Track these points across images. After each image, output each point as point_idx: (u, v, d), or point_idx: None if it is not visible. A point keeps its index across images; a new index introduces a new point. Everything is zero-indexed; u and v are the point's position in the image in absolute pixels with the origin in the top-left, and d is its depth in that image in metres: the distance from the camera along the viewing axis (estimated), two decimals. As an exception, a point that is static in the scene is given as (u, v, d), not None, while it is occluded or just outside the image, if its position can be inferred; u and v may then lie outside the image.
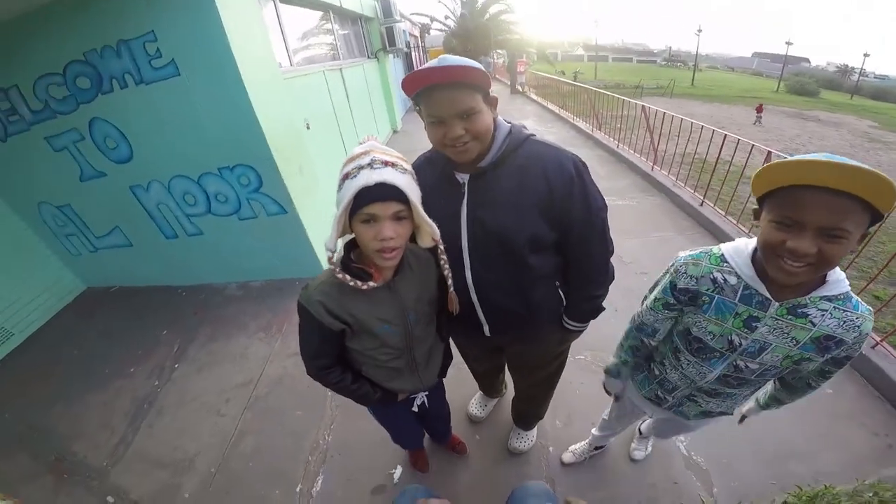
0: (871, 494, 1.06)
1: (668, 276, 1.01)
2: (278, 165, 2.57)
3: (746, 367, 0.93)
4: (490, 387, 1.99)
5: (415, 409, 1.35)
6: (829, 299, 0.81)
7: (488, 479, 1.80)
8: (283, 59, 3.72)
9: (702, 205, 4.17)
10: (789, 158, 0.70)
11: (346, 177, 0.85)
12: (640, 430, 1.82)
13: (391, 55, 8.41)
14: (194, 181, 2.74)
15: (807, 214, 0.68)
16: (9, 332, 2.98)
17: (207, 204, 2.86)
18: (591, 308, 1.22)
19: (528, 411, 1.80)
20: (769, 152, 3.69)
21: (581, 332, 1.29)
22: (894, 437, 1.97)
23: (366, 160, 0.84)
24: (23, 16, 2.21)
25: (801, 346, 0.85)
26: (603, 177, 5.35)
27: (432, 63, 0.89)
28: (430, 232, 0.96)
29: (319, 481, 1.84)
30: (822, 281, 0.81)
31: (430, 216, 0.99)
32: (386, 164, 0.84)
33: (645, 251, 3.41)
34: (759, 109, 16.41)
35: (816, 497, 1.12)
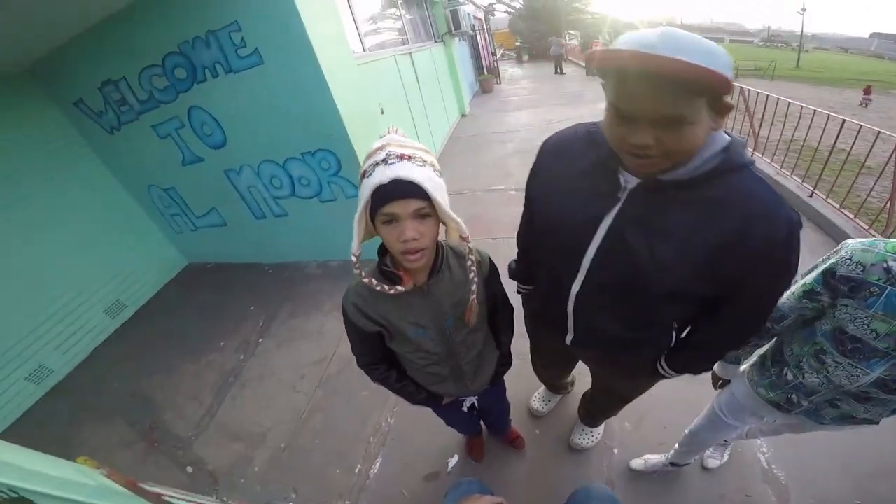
0: None
1: (825, 262, 0.88)
2: (355, 149, 2.63)
3: None
4: (553, 386, 1.88)
5: (464, 409, 1.31)
6: None
7: (545, 475, 1.74)
8: (356, 45, 3.78)
9: (811, 196, 3.65)
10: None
11: (363, 175, 0.79)
12: (747, 431, 1.59)
13: (457, 38, 8.31)
14: (280, 165, 2.90)
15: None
16: (123, 305, 3.38)
17: (292, 187, 3.03)
18: (698, 366, 1.03)
19: (599, 411, 1.67)
20: None
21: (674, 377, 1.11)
22: None
23: (381, 155, 0.76)
24: (126, 9, 2.41)
25: None
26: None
27: (646, 38, 0.60)
28: (457, 228, 0.86)
29: (378, 464, 1.89)
30: None
31: (562, 206, 0.88)
32: (402, 157, 0.76)
33: None
34: (867, 91, 15.01)
35: None
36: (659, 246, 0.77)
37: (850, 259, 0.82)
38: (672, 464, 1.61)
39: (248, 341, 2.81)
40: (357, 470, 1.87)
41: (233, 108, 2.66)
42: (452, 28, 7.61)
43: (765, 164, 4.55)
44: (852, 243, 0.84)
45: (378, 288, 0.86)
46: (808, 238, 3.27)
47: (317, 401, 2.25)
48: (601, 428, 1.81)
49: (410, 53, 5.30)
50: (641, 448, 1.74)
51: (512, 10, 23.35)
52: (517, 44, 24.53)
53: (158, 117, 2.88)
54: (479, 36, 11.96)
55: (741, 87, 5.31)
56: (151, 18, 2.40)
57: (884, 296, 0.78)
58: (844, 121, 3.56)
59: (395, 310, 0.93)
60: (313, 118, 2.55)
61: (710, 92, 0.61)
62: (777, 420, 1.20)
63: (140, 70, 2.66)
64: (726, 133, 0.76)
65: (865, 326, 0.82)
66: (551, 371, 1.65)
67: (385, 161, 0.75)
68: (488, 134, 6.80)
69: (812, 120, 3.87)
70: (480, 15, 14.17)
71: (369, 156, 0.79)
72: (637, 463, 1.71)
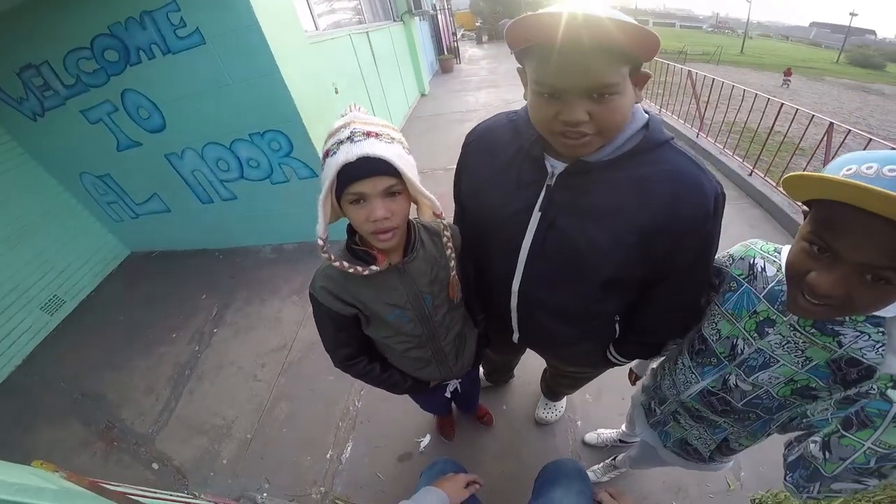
0: None
1: None
2: (308, 130, 2.55)
3: (736, 385, 0.77)
4: (494, 374, 1.89)
5: (447, 395, 1.29)
6: (876, 322, 0.60)
7: (514, 450, 1.79)
8: (308, 23, 3.62)
9: (751, 175, 3.91)
10: (834, 177, 0.48)
11: (326, 154, 0.74)
12: (615, 457, 1.64)
13: (417, 18, 8.11)
14: (227, 147, 2.76)
15: (844, 243, 0.50)
16: (61, 300, 3.14)
17: (240, 169, 2.90)
18: (647, 351, 1.04)
19: (557, 389, 1.71)
20: (831, 123, 3.37)
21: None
22: None
23: (345, 133, 0.72)
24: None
25: (812, 368, 0.66)
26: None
27: (565, 4, 0.57)
28: (430, 206, 0.83)
29: (349, 447, 1.89)
30: None
31: (489, 200, 0.85)
32: (368, 134, 0.72)
33: None
34: (788, 73, 16.96)
35: None
36: (591, 229, 0.75)
37: (728, 253, 0.81)
38: (621, 441, 1.68)
39: (202, 332, 2.71)
40: (328, 455, 1.86)
41: (172, 90, 2.49)
42: (413, 7, 7.42)
43: (709, 144, 4.80)
44: (742, 242, 0.83)
45: (351, 270, 0.81)
46: (748, 213, 3.52)
47: (280, 389, 2.21)
48: (563, 401, 1.86)
49: (367, 32, 5.14)
50: (603, 419, 1.83)
51: None
52: (477, 24, 24.33)
53: (88, 102, 2.66)
54: (439, 16, 11.72)
55: (689, 71, 5.56)
56: (76, 1, 2.20)
57: (738, 292, 0.76)
58: (782, 104, 3.82)
59: (371, 292, 0.88)
60: (262, 99, 2.43)
61: (640, 55, 0.60)
62: (641, 432, 1.16)
63: (65, 53, 2.44)
64: (645, 111, 0.75)
65: (714, 325, 0.81)
66: (502, 357, 1.64)
67: (350, 139, 0.71)
68: (448, 114, 6.77)
69: (753, 103, 4.12)
70: None
71: (332, 134, 0.75)
72: (591, 437, 1.78)
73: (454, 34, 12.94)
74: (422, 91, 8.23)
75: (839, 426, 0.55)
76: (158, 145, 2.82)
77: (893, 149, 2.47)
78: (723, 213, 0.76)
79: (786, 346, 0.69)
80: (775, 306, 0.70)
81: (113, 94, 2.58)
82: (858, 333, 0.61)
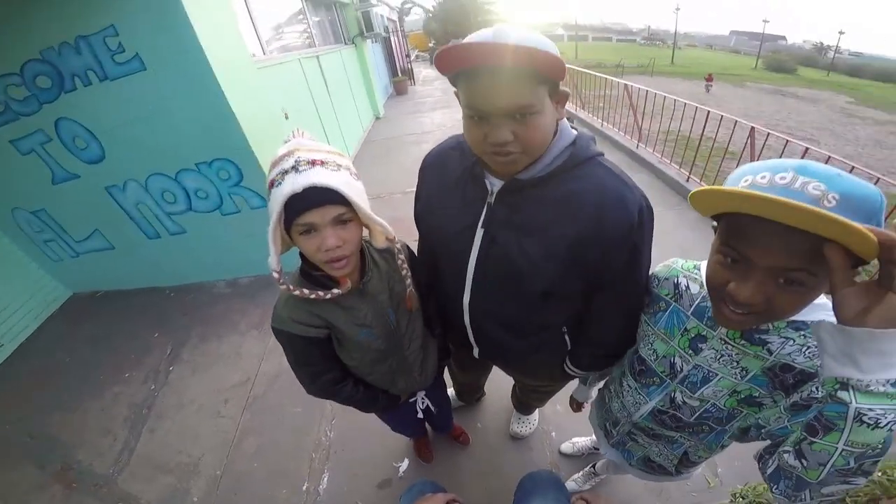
0: (879, 474, 1.03)
1: None
2: (258, 158, 2.51)
3: (684, 402, 0.78)
4: (466, 393, 1.91)
5: (419, 415, 1.30)
6: (796, 326, 0.64)
7: (493, 466, 1.81)
8: (255, 48, 3.60)
9: (688, 180, 4.21)
10: (731, 189, 0.51)
11: (271, 185, 0.73)
12: (594, 465, 1.65)
13: (369, 40, 8.22)
14: (172, 178, 2.65)
15: (754, 250, 0.53)
16: (-3, 344, 2.88)
17: (188, 201, 2.79)
18: (602, 363, 1.04)
19: (528, 402, 1.74)
20: (752, 128, 3.73)
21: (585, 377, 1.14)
22: None
23: (289, 162, 0.72)
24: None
25: (751, 377, 0.68)
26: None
27: (484, 34, 0.64)
28: (382, 231, 0.86)
29: (325, 479, 1.84)
30: None
31: (439, 220, 0.89)
32: (314, 163, 0.72)
33: None
34: (709, 79, 18.85)
35: None
36: (526, 244, 0.79)
37: (652, 274, 0.83)
38: (595, 448, 1.71)
39: (157, 370, 2.56)
40: (304, 488, 1.81)
41: (111, 118, 2.38)
42: (364, 30, 7.51)
43: (648, 153, 5.11)
44: (664, 262, 0.85)
45: (313, 296, 0.81)
46: (688, 216, 3.77)
47: (246, 423, 2.13)
48: (536, 414, 1.89)
49: (318, 56, 5.15)
50: (576, 428, 1.86)
51: (427, 11, 23.64)
52: (430, 45, 24.89)
53: (18, 131, 2.49)
54: (392, 37, 11.94)
55: (626, 84, 5.94)
56: (5, 21, 2.09)
57: (668, 311, 0.78)
58: (709, 111, 4.19)
59: (339, 313, 0.89)
60: (207, 126, 2.38)
61: (552, 76, 0.65)
62: (605, 451, 1.17)
63: (-10, 79, 2.29)
64: (573, 128, 0.80)
65: (650, 346, 0.82)
66: (469, 374, 1.65)
67: (295, 168, 0.71)
68: (403, 136, 6.84)
69: (684, 111, 4.46)
70: (394, 17, 14.16)
71: (275, 163, 0.74)
72: (566, 447, 1.79)
73: (408, 56, 13.20)
74: (376, 114, 8.29)
75: (805, 433, 0.54)
76: (98, 177, 2.67)
77: (807, 148, 2.71)
78: (651, 224, 0.80)
79: (721, 360, 0.71)
80: (704, 322, 0.72)
81: (46, 123, 2.44)
82: (783, 339, 0.64)
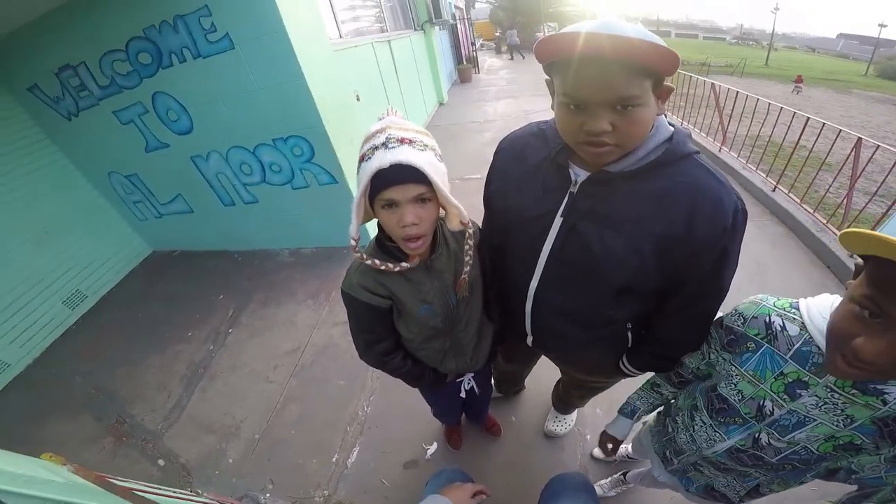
0: None
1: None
2: (330, 136, 2.59)
3: (769, 443, 0.73)
4: (506, 383, 1.88)
5: (462, 395, 1.30)
6: None
7: (521, 462, 1.77)
8: (332, 31, 3.71)
9: (774, 190, 3.80)
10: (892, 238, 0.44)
11: (361, 159, 0.77)
12: (625, 473, 1.60)
13: (437, 27, 8.23)
14: (250, 151, 2.82)
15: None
16: (83, 295, 3.25)
17: (263, 173, 2.95)
18: (658, 366, 1.01)
19: (569, 400, 1.69)
20: (859, 139, 3.26)
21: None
22: None
23: (380, 139, 0.74)
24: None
25: (857, 426, 0.63)
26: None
27: (591, 24, 0.61)
28: (458, 214, 0.86)
29: (355, 452, 1.88)
30: None
31: (514, 204, 0.88)
32: (402, 141, 0.74)
33: None
34: (798, 80, 18.02)
35: None
36: (609, 237, 0.77)
37: (738, 311, 0.77)
38: (629, 457, 1.63)
39: (217, 331, 2.75)
40: (335, 459, 1.86)
41: (200, 93, 2.56)
42: (433, 17, 7.53)
43: (731, 158, 4.70)
44: (749, 298, 0.79)
45: (383, 267, 0.85)
46: (771, 231, 3.41)
47: (291, 391, 2.22)
48: (574, 415, 1.84)
49: (389, 41, 5.22)
50: None
51: (492, 1, 23.26)
52: (497, 34, 24.50)
53: (120, 103, 2.75)
54: (459, 25, 11.86)
55: (713, 84, 5.48)
56: (115, 2, 2.29)
57: (759, 353, 0.72)
58: (808, 118, 3.72)
59: (405, 286, 0.91)
60: (286, 104, 2.48)
61: (660, 70, 0.63)
62: (659, 475, 1.13)
63: (101, 55, 2.54)
64: (670, 124, 0.77)
65: (734, 386, 0.77)
66: (514, 364, 1.62)
67: (385, 145, 0.73)
68: (466, 123, 6.78)
69: (778, 116, 4.02)
70: (461, 4, 14.06)
71: (368, 139, 0.77)
72: (598, 452, 1.74)
73: (473, 44, 13.07)
74: (440, 100, 8.32)
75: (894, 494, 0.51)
76: (185, 147, 2.90)
77: None
78: (744, 228, 0.76)
79: (823, 407, 0.65)
80: (807, 368, 0.66)
81: (144, 96, 2.67)
82: None
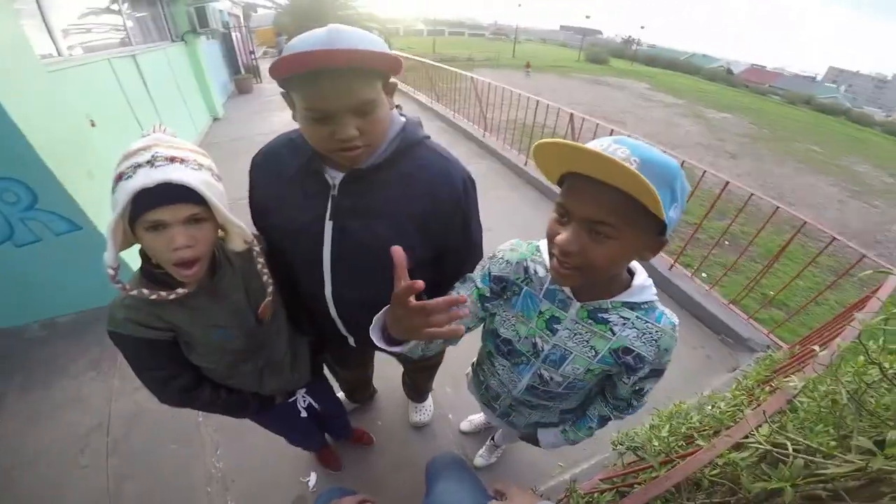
0: (710, 407, 1.23)
1: (486, 262, 0.88)
2: (56, 174, 2.09)
3: (551, 378, 0.84)
4: (357, 391, 1.88)
5: (303, 413, 1.23)
6: (631, 307, 0.73)
7: (403, 459, 1.82)
8: (45, 47, 3.02)
9: (525, 164, 4.88)
10: (559, 141, 0.57)
11: (119, 177, 0.69)
12: (493, 437, 1.72)
13: (204, 37, 7.41)
14: (-59, 209, 2.10)
15: (574, 202, 0.59)
16: None
17: (-38, 232, 2.21)
18: None
19: (418, 386, 1.78)
20: (571, 114, 4.49)
21: None
22: (709, 349, 2.49)
23: (144, 157, 0.69)
24: None
25: (600, 358, 0.77)
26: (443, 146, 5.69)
27: (318, 37, 0.66)
28: (240, 234, 0.82)
29: None
30: (627, 286, 0.74)
31: (281, 218, 0.87)
32: (173, 159, 0.70)
33: (486, 210, 3.74)
34: (527, 66, 22.47)
35: (672, 416, 1.25)
36: (376, 226, 0.85)
37: (502, 258, 0.84)
38: (490, 422, 1.70)
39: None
40: None
41: None
42: (197, 26, 6.75)
43: (493, 141, 5.72)
44: (505, 244, 0.87)
45: (154, 296, 0.75)
46: (528, 196, 4.39)
47: (116, 470, 1.86)
48: (430, 400, 1.93)
49: (134, 55, 4.49)
50: (468, 407, 1.93)
51: (276, 6, 21.76)
52: (277, 39, 23.22)
53: None
54: (235, 33, 10.88)
55: (472, 77, 6.52)
56: None
57: (522, 295, 0.80)
58: (538, 101, 4.88)
59: (184, 315, 0.82)
60: (-20, 143, 1.93)
61: (389, 71, 0.73)
62: (493, 422, 1.24)
63: None
64: (401, 115, 0.89)
65: (512, 327, 0.84)
66: (352, 370, 1.60)
67: (151, 163, 0.67)
68: (251, 137, 6.39)
69: (528, 102, 5.06)
70: (238, 12, 12.87)
71: (128, 156, 0.70)
72: (465, 425, 1.87)
73: (252, 53, 12.18)
74: (214, 115, 7.54)
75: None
76: None
77: (612, 130, 3.44)
78: (475, 192, 0.94)
79: (575, 339, 0.77)
80: (556, 304, 0.77)
81: None
82: (622, 319, 0.73)
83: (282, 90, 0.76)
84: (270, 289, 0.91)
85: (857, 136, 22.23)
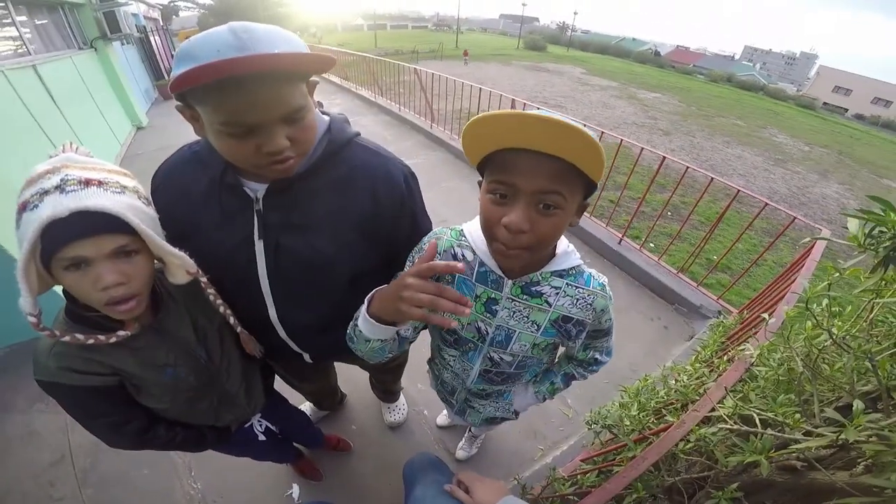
0: (673, 381, 1.23)
1: (413, 257, 0.84)
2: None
3: (501, 359, 0.83)
4: (324, 400, 1.78)
5: (261, 437, 1.16)
6: (560, 275, 0.73)
7: (384, 461, 1.79)
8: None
9: (475, 153, 5.04)
10: (496, 112, 0.54)
11: (23, 207, 0.58)
12: (470, 428, 1.69)
13: (117, 42, 6.87)
14: None
15: (522, 177, 0.57)
16: None
17: None
18: None
19: (387, 387, 1.74)
20: (512, 100, 4.63)
21: None
22: (665, 319, 2.57)
23: (52, 181, 0.57)
24: None
25: (543, 330, 0.76)
26: (390, 140, 5.61)
27: (225, 39, 0.55)
28: (181, 264, 0.71)
29: None
30: (552, 255, 0.73)
31: (201, 243, 0.75)
32: (88, 182, 0.59)
33: (439, 201, 3.89)
34: (465, 54, 23.03)
35: (639, 391, 1.24)
36: (314, 239, 0.77)
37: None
38: None
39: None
40: None
41: None
42: (108, 31, 6.23)
43: (441, 132, 5.75)
44: (427, 236, 0.85)
45: (91, 341, 0.65)
46: (476, 179, 4.52)
47: (93, 499, 1.80)
48: (402, 399, 1.88)
49: (35, 65, 4.10)
50: (442, 404, 1.99)
51: (199, 7, 20.31)
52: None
53: None
54: (153, 37, 10.12)
55: (416, 69, 6.51)
56: None
57: (454, 283, 0.77)
58: (480, 89, 5.01)
59: (127, 357, 0.73)
60: None
61: (317, 72, 0.64)
62: (453, 420, 1.24)
63: None
64: (324, 113, 0.80)
65: (452, 316, 0.79)
66: (312, 382, 1.51)
67: (60, 188, 0.56)
68: (179, 144, 5.92)
69: (471, 91, 5.14)
70: (155, 14, 11.93)
71: (32, 182, 0.58)
72: (441, 420, 1.84)
73: (174, 55, 11.41)
74: (137, 124, 7.02)
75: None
76: None
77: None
78: (418, 187, 0.87)
79: (515, 317, 0.75)
80: (489, 286, 0.75)
81: None
82: (554, 289, 0.72)
83: (178, 103, 0.64)
84: (232, 320, 0.84)
85: (774, 110, 24.00)
